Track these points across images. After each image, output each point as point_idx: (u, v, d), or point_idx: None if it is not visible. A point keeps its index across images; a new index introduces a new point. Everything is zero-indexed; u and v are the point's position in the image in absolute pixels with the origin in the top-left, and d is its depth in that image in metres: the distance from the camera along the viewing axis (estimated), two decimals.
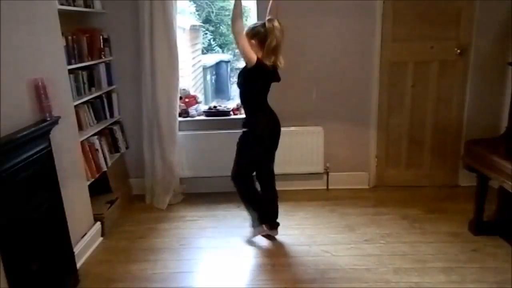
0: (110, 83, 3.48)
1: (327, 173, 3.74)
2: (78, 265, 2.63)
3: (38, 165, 2.19)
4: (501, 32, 3.39)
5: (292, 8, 3.39)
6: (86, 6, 3.14)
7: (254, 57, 2.49)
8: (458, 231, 2.96)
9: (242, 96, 2.74)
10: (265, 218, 2.90)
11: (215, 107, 3.79)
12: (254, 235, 2.92)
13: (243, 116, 2.82)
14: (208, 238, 2.97)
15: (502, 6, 3.33)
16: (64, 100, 2.64)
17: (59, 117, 2.37)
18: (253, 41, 2.54)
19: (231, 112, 3.69)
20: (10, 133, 1.99)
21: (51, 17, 2.52)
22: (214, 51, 7.22)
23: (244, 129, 2.73)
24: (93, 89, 3.20)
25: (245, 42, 2.49)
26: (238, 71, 2.81)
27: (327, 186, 3.78)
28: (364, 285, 2.43)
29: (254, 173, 2.87)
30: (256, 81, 2.60)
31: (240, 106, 3.69)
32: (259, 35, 2.55)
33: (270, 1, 2.70)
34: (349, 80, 3.57)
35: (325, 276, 2.53)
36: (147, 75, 3.37)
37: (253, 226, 2.91)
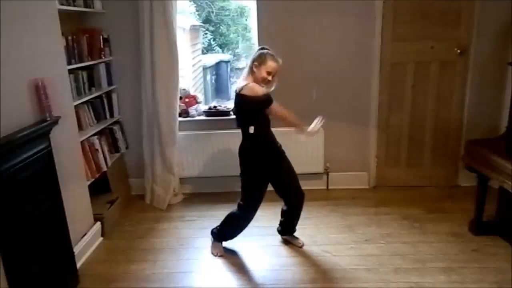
0: (110, 83, 3.48)
1: (327, 173, 3.74)
2: (78, 265, 2.63)
3: (38, 165, 2.19)
4: (501, 32, 3.39)
5: (292, 8, 3.39)
6: (86, 6, 3.15)
7: None
8: (458, 231, 2.96)
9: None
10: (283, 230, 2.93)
11: (215, 107, 3.79)
12: (213, 249, 2.85)
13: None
14: (208, 238, 2.96)
15: (502, 6, 3.33)
16: (64, 100, 2.64)
17: (59, 117, 2.37)
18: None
19: (231, 112, 3.68)
20: (10, 133, 1.99)
21: (51, 17, 2.52)
22: (214, 51, 7.20)
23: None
24: (93, 89, 3.20)
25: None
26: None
27: (327, 186, 3.78)
28: (364, 285, 2.43)
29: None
30: None
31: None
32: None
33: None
34: (349, 80, 3.57)
35: (326, 276, 2.53)
36: (147, 75, 3.37)
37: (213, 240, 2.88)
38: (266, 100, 2.49)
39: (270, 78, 2.52)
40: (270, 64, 2.50)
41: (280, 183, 2.72)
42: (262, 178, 2.65)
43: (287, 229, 2.91)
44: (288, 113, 2.58)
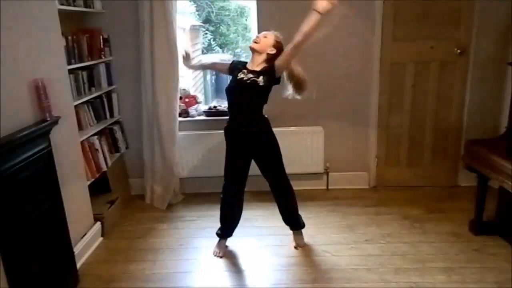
0: (110, 83, 3.47)
1: (327, 173, 3.74)
2: (78, 265, 2.63)
3: (38, 165, 2.19)
4: (501, 32, 3.39)
5: (292, 8, 3.39)
6: (86, 6, 3.15)
7: None
8: (458, 231, 2.96)
9: (259, 103, 2.63)
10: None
11: (215, 107, 3.79)
12: (215, 249, 2.85)
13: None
14: (208, 238, 2.96)
15: (502, 6, 3.33)
16: (64, 100, 2.64)
17: (59, 117, 2.37)
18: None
19: None
20: (10, 133, 1.99)
21: (51, 17, 2.52)
22: (214, 51, 7.21)
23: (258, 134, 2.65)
24: (93, 89, 3.20)
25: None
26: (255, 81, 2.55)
27: (327, 186, 3.78)
28: (364, 285, 2.43)
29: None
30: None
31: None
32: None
33: None
34: (349, 80, 3.57)
35: (326, 276, 2.53)
36: (147, 75, 3.37)
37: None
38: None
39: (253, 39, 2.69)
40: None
41: (261, 168, 2.75)
42: (230, 157, 2.76)
43: (288, 223, 2.87)
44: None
